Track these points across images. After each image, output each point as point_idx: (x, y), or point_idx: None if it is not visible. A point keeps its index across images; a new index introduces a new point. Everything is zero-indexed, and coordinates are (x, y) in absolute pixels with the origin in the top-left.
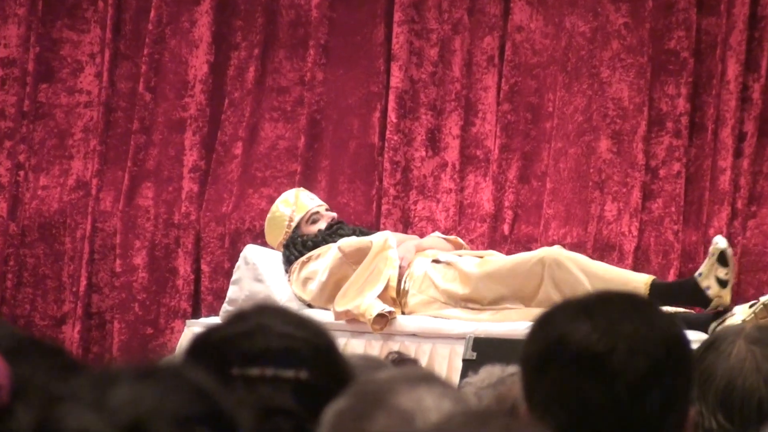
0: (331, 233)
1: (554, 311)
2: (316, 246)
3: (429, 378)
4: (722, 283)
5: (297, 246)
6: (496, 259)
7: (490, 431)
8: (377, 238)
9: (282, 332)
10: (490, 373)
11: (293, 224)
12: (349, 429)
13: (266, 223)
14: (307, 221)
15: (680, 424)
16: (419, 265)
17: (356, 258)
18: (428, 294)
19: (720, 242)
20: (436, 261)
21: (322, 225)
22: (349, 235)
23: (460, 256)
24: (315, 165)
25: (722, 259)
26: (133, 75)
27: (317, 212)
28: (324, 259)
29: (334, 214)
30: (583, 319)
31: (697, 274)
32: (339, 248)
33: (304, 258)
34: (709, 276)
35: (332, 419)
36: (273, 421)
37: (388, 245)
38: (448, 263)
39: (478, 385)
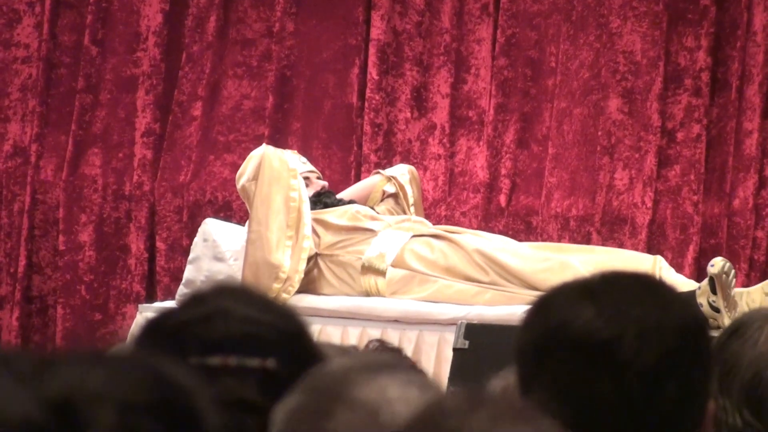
0: (317, 201)
1: (553, 294)
2: None
3: (390, 364)
4: (714, 309)
5: None
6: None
7: (478, 419)
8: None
9: (245, 316)
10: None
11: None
12: (306, 430)
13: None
14: None
15: (698, 420)
16: (392, 239)
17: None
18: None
19: (713, 266)
20: (418, 236)
21: (310, 191)
22: (335, 206)
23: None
24: (285, 128)
25: (712, 285)
26: (78, 26)
27: (308, 177)
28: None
29: (325, 183)
30: (587, 302)
31: (698, 286)
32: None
33: None
34: (702, 296)
35: (285, 419)
36: (237, 416)
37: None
38: (436, 237)
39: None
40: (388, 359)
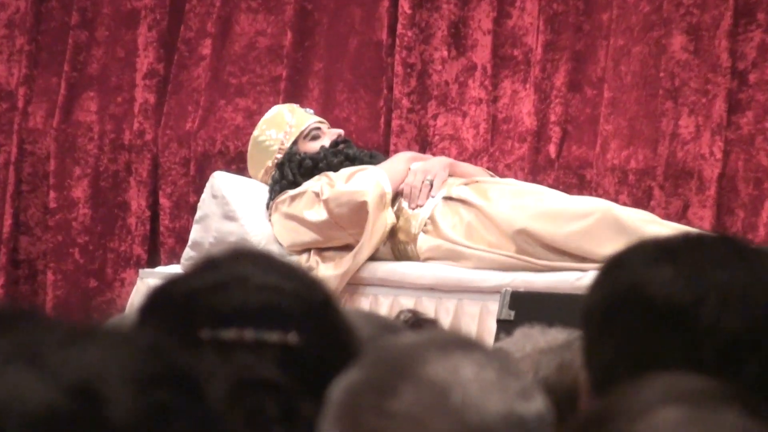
0: (337, 152)
1: (627, 252)
2: (315, 166)
3: (465, 343)
4: None
5: (293, 165)
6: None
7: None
8: (371, 189)
9: (265, 284)
10: (528, 335)
11: (288, 142)
12: (367, 408)
13: (249, 149)
14: (305, 137)
15: None
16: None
17: (350, 222)
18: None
19: None
20: (448, 198)
21: (325, 141)
22: (357, 159)
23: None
24: (305, 68)
25: None
26: None
27: (318, 128)
28: (308, 209)
29: (340, 131)
30: (665, 262)
31: None
32: (327, 209)
33: (292, 193)
34: None
35: (344, 396)
36: (253, 397)
37: (386, 201)
38: (464, 202)
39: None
40: (464, 337)
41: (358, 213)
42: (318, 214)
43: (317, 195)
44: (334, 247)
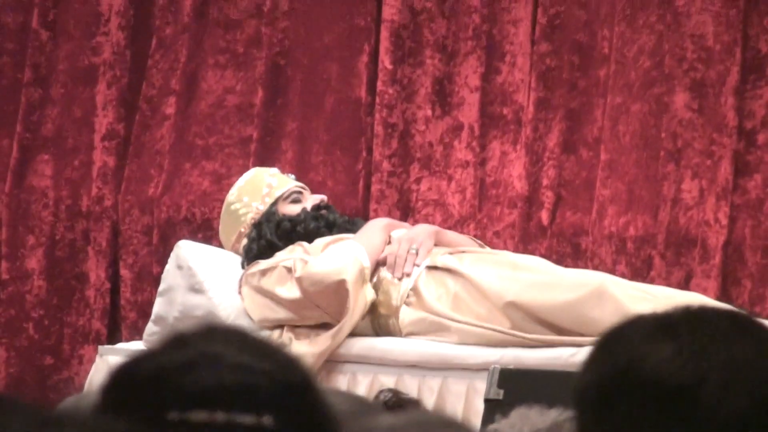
0: (317, 216)
1: (624, 328)
2: (293, 229)
3: (450, 425)
4: None
5: (271, 225)
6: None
7: None
8: (349, 266)
9: (238, 363)
10: (525, 417)
11: (265, 206)
12: None
13: (222, 213)
14: (285, 199)
15: None
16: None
17: (326, 301)
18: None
19: None
20: (432, 267)
21: (306, 205)
22: (337, 226)
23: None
24: (278, 129)
25: None
26: (24, 4)
27: (300, 191)
28: (280, 285)
29: (323, 197)
30: (665, 339)
31: None
32: (300, 288)
33: (262, 267)
34: None
35: None
36: None
37: (365, 276)
38: (450, 271)
39: None
40: (449, 419)
41: (335, 292)
42: (291, 291)
43: (289, 271)
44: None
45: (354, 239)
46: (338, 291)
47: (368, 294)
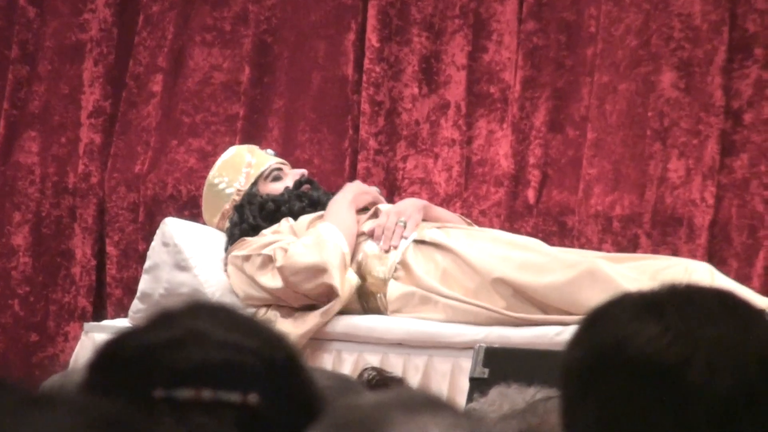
0: (300, 195)
1: (610, 306)
2: (278, 209)
3: (434, 403)
4: None
5: (254, 207)
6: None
7: None
8: (331, 258)
9: (224, 341)
10: (504, 395)
11: (247, 185)
12: None
13: (204, 192)
14: (266, 178)
15: None
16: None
17: (310, 289)
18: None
19: None
20: (420, 241)
21: (288, 182)
22: (321, 204)
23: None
24: (264, 107)
25: None
26: None
27: (280, 168)
28: (262, 273)
29: (303, 171)
30: (651, 318)
31: None
32: (282, 277)
33: (243, 252)
34: None
35: None
36: None
37: (346, 262)
38: (438, 246)
39: (496, 413)
40: (433, 397)
41: (319, 282)
42: (272, 281)
43: (270, 260)
44: None
45: (327, 220)
46: (321, 280)
47: (352, 279)
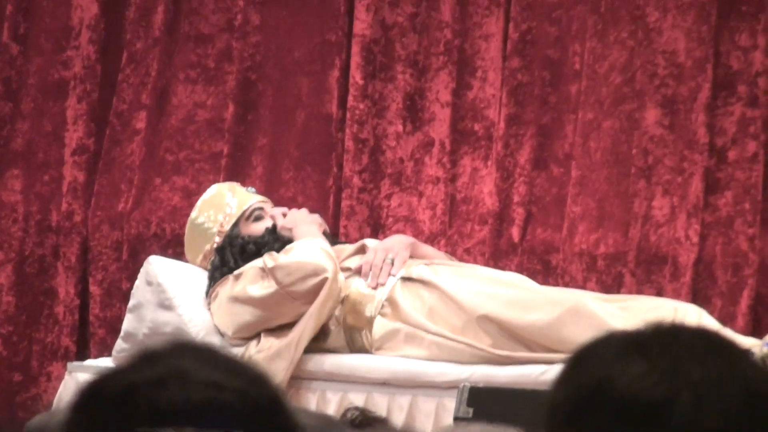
0: (281, 236)
1: (595, 345)
2: (258, 251)
3: None
4: None
5: (235, 250)
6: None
7: None
8: (323, 257)
9: (207, 380)
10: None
11: (228, 225)
12: None
13: (186, 231)
14: (247, 218)
15: None
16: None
17: (303, 289)
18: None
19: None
20: (407, 278)
21: (268, 222)
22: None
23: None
24: (248, 144)
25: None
26: None
27: (261, 208)
28: (252, 284)
29: (285, 209)
30: (636, 356)
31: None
32: (274, 278)
33: (236, 272)
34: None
35: None
36: None
37: (337, 266)
38: (425, 282)
39: None
40: None
41: (315, 281)
42: (264, 288)
43: (262, 269)
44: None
45: (302, 237)
46: (318, 279)
47: (342, 282)
